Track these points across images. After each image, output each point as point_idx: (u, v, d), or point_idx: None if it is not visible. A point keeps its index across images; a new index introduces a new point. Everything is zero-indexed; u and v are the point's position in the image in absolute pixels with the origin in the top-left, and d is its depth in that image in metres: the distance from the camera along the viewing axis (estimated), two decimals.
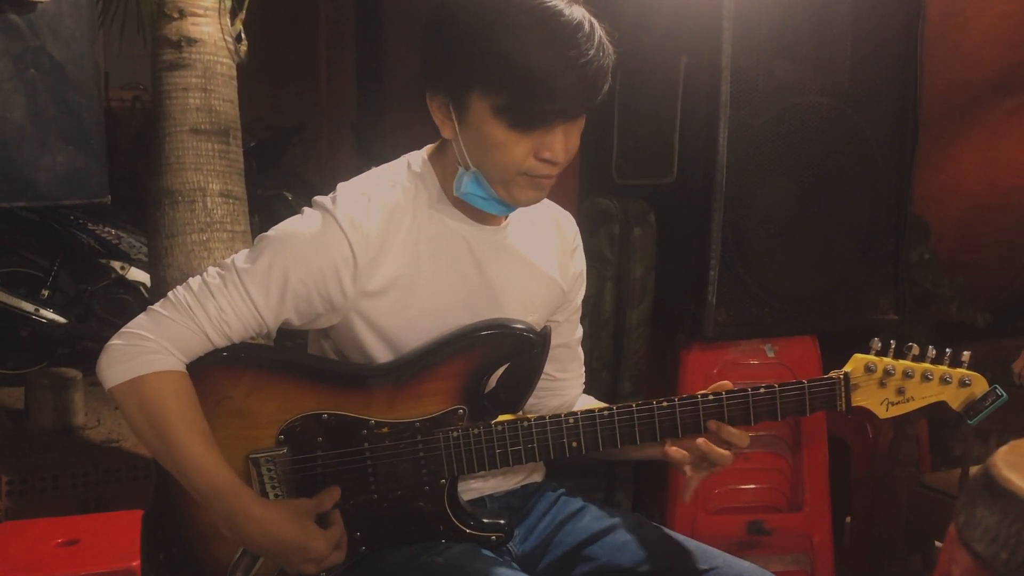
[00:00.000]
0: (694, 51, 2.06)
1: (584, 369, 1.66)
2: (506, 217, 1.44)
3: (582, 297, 1.61)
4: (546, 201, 1.52)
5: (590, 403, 1.62)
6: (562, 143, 1.27)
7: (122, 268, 4.26)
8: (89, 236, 4.19)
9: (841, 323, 2.20)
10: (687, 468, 1.41)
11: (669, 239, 2.15)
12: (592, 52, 1.22)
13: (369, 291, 1.33)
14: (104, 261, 4.25)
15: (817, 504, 2.18)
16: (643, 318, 2.16)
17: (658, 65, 2.16)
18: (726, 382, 1.40)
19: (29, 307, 4.04)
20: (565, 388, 1.61)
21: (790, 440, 2.20)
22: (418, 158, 1.42)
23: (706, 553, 1.37)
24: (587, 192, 2.41)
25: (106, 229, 4.22)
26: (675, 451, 1.40)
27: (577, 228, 1.59)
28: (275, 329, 1.35)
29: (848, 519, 2.69)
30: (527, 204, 1.36)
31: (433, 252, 1.37)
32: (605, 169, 2.36)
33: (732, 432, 1.36)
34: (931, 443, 2.79)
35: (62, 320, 4.10)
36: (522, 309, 1.44)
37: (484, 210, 1.36)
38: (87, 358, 4.07)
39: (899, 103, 2.19)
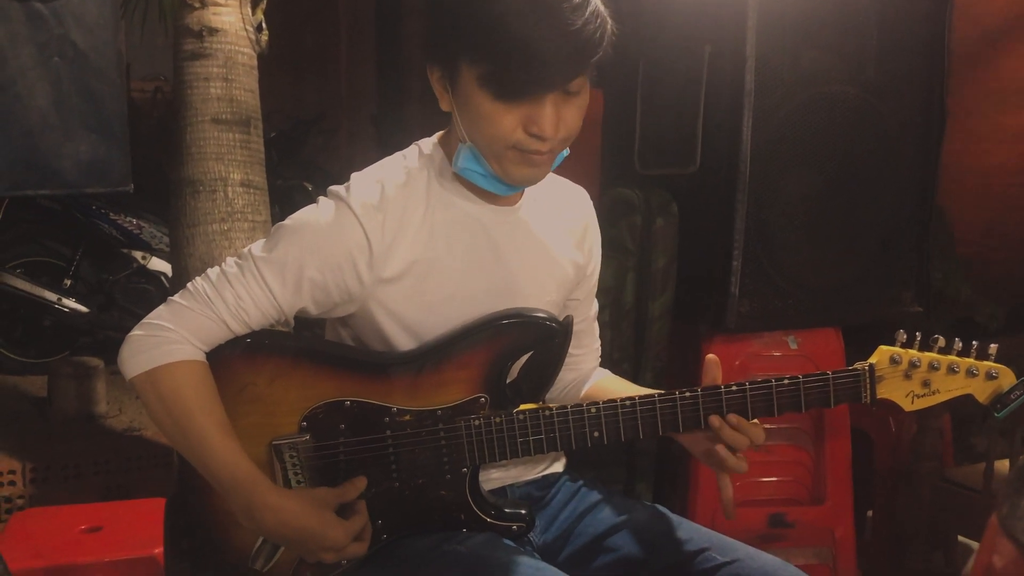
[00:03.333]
0: (718, 40, 2.04)
1: (600, 343, 1.65)
2: (520, 195, 1.43)
3: (598, 272, 1.60)
4: (558, 178, 1.52)
5: (605, 378, 1.61)
6: (552, 118, 1.23)
7: (143, 258, 4.28)
8: (111, 226, 4.21)
9: (864, 315, 2.18)
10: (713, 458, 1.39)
11: (691, 230, 2.13)
12: (579, 21, 1.17)
13: (386, 278, 1.33)
14: (126, 251, 4.27)
15: (839, 498, 2.17)
16: (665, 309, 2.15)
17: (681, 54, 2.15)
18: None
19: (52, 296, 4.07)
20: (579, 363, 1.60)
21: (812, 433, 2.19)
22: (428, 143, 1.42)
23: (727, 545, 1.35)
24: (609, 182, 2.40)
25: (128, 219, 4.24)
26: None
27: (590, 201, 1.57)
28: (292, 317, 1.36)
29: (870, 513, 2.67)
30: (522, 182, 1.33)
31: (449, 236, 1.36)
32: (627, 159, 2.35)
33: (749, 428, 1.34)
34: (953, 438, 2.77)
35: (84, 309, 4.13)
36: (539, 290, 1.43)
37: (486, 188, 1.34)
38: (109, 347, 4.09)
39: (925, 94, 2.16)
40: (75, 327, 4.18)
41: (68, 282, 4.17)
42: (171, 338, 1.28)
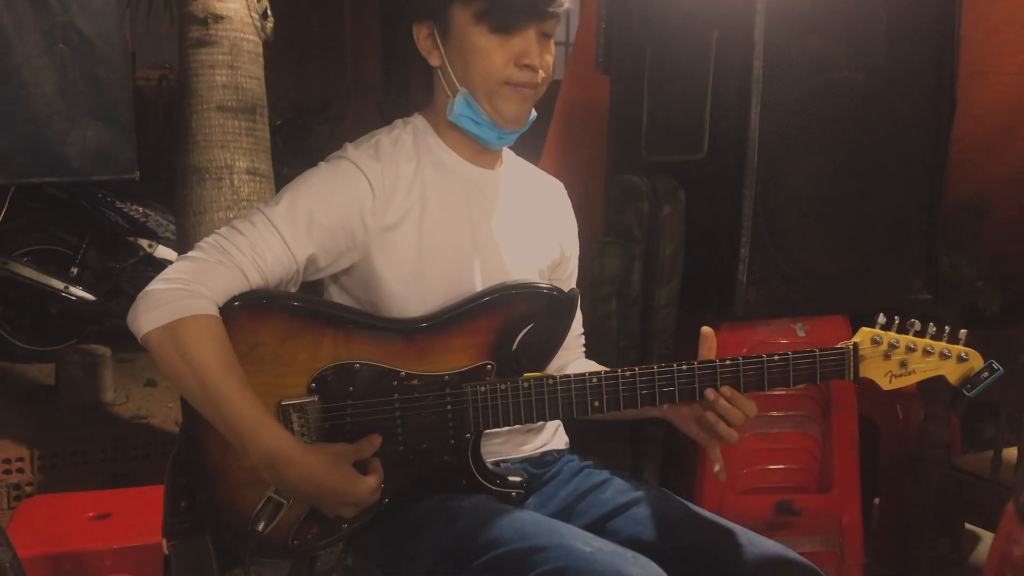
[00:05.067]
0: (726, 25, 2.03)
1: (583, 331, 1.69)
2: (500, 163, 1.56)
3: (576, 259, 1.69)
4: (535, 168, 1.65)
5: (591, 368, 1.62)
6: (538, 50, 1.40)
7: (150, 246, 4.29)
8: (117, 214, 4.22)
9: (873, 302, 2.16)
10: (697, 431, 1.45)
11: (699, 217, 2.12)
12: None
13: (387, 225, 1.40)
14: (132, 239, 4.29)
15: (846, 485, 2.16)
16: (672, 297, 2.14)
17: (689, 40, 2.13)
18: None
19: (59, 284, 4.08)
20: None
21: (820, 420, 2.18)
22: (411, 117, 1.55)
23: (733, 531, 1.37)
24: (616, 169, 2.39)
25: (134, 207, 4.25)
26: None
27: (566, 193, 1.69)
28: (303, 268, 1.39)
29: (877, 501, 2.67)
30: (514, 120, 1.44)
31: (438, 191, 1.46)
32: (634, 146, 2.34)
33: (742, 401, 1.40)
34: (961, 425, 2.76)
35: (91, 297, 4.14)
36: (519, 249, 1.52)
37: (477, 136, 1.45)
38: (116, 335, 4.11)
39: (935, 79, 2.14)
40: (82, 315, 4.20)
41: (75, 270, 4.18)
42: (192, 291, 1.28)
